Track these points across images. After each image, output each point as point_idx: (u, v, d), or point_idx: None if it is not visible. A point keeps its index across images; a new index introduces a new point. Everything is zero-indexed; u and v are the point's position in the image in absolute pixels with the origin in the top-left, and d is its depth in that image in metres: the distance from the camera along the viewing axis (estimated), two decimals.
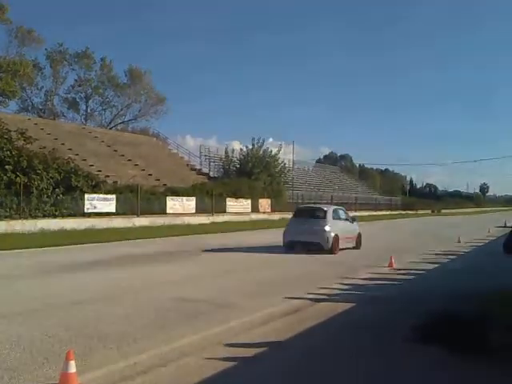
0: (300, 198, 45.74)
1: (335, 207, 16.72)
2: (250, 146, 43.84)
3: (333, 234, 13.98)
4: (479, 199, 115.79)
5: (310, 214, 15.40)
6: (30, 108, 56.85)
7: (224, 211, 31.71)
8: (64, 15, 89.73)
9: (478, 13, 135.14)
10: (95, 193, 23.44)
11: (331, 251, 13.76)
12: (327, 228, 14.00)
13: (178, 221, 26.74)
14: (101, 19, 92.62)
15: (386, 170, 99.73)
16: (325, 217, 14.53)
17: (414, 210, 67.26)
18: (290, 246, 14.03)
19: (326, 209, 15.39)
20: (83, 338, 5.11)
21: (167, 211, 27.24)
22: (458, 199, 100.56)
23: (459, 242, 18.31)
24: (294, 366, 4.46)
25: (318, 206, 19.52)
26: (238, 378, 4.16)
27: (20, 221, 19.46)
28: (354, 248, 15.31)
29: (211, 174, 44.55)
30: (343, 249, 14.46)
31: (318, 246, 13.72)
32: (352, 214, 45.68)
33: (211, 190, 31.22)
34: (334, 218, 14.78)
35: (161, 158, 42.48)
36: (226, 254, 13.99)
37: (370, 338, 5.34)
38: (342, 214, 15.97)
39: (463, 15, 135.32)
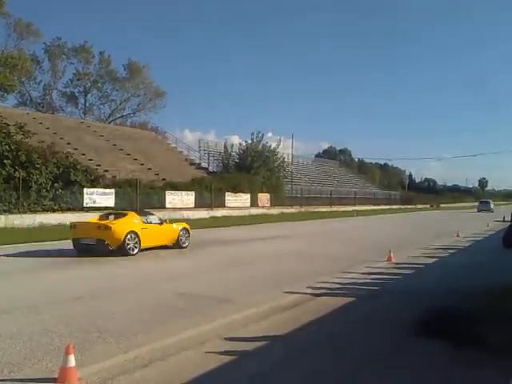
0: (299, 192, 45.72)
1: (490, 200, 60.16)
2: (249, 141, 43.78)
3: (492, 206, 53.29)
4: (478, 193, 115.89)
5: (484, 202, 56.94)
6: (28, 102, 56.68)
7: (223, 206, 31.71)
8: (62, 8, 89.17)
9: (473, 7, 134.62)
10: (94, 187, 23.43)
11: (492, 212, 47.92)
12: (491, 205, 53.78)
13: (177, 215, 26.68)
14: (99, 12, 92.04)
15: (385, 164, 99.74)
16: (489, 203, 55.17)
17: (412, 205, 67.37)
18: (479, 211, 49.80)
19: (489, 200, 58.58)
20: (83, 333, 5.11)
21: (166, 206, 27.24)
22: (456, 194, 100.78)
23: (458, 236, 18.32)
24: (294, 360, 4.47)
25: (486, 199, 61.40)
26: (237, 372, 4.16)
27: (19, 215, 19.45)
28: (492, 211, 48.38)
29: (210, 168, 44.52)
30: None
31: (488, 211, 48.50)
32: (351, 208, 46.19)
33: (210, 185, 31.19)
34: (491, 203, 55.46)
35: (160, 152, 42.40)
36: (226, 248, 14.00)
37: (371, 334, 5.35)
38: (492, 202, 58.04)
39: (459, 10, 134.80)
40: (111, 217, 12.80)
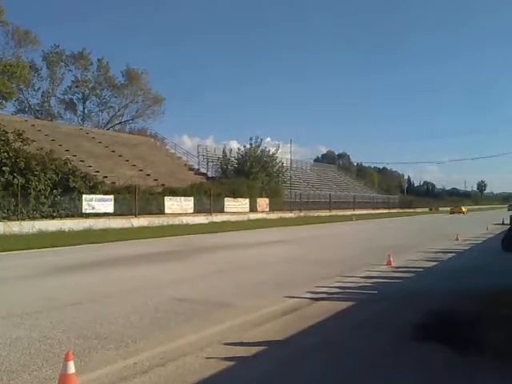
0: (298, 197, 45.74)
1: None
2: (248, 146, 43.84)
3: None
4: (477, 197, 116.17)
5: (511, 205, 79.92)
6: (27, 109, 56.89)
7: (222, 211, 31.71)
8: (60, 16, 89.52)
9: (473, 12, 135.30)
10: (93, 193, 23.42)
11: None
12: None
13: (177, 221, 26.74)
14: (97, 19, 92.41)
15: (383, 168, 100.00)
16: None
17: (411, 208, 67.44)
18: (509, 210, 66.46)
19: None
20: (82, 339, 5.10)
21: (165, 211, 27.24)
22: (455, 197, 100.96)
23: (457, 239, 18.32)
24: (294, 365, 4.46)
25: None
26: (237, 377, 4.15)
27: (18, 222, 19.44)
28: None
29: (209, 173, 44.55)
30: None
31: None
32: (350, 212, 46.21)
33: (209, 190, 31.21)
34: None
35: (158, 158, 42.45)
36: (225, 253, 13.98)
37: (370, 337, 5.34)
38: None
39: (458, 14, 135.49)
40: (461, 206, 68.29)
